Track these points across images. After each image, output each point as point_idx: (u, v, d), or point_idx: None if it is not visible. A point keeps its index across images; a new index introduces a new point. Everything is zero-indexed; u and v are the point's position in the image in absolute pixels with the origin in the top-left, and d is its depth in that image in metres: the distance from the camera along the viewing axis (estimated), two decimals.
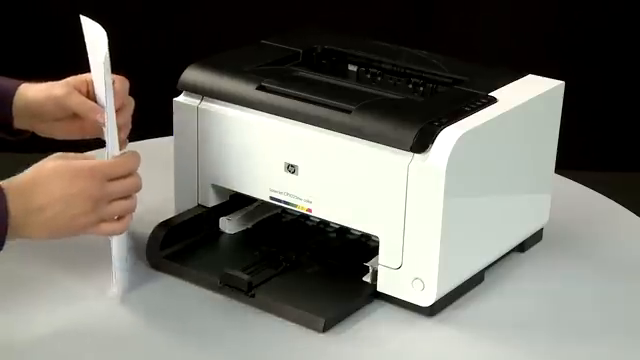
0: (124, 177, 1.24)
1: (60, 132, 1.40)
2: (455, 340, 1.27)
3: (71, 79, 1.39)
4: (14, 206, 1.17)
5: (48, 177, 1.19)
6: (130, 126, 1.36)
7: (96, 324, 1.27)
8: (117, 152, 1.26)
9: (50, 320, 1.27)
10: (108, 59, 1.26)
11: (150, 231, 1.38)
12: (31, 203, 1.18)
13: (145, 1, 3.05)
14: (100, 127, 1.32)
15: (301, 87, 1.34)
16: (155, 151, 1.69)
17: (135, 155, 1.26)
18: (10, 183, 1.19)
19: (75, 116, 1.35)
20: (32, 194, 1.18)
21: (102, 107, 1.30)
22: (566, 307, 1.35)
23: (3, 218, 1.16)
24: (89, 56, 1.34)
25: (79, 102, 1.34)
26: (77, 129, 1.38)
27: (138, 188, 1.26)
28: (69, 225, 1.20)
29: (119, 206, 1.24)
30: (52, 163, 1.21)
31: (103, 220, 1.23)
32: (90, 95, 1.35)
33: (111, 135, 1.26)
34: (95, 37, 1.30)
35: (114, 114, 1.27)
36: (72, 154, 1.24)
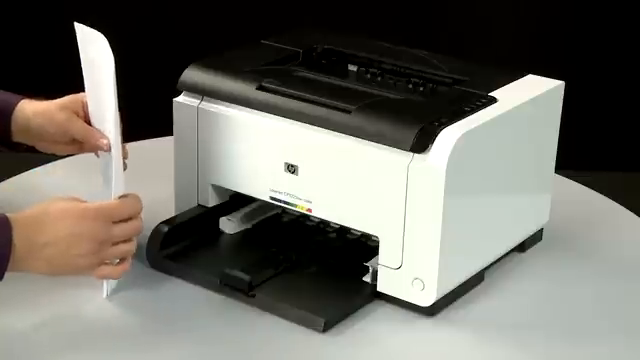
0: (127, 220, 1.25)
1: (59, 150, 1.43)
2: (455, 340, 1.27)
3: (68, 101, 1.40)
4: (19, 238, 1.18)
5: (55, 215, 1.21)
6: (127, 154, 1.37)
7: (95, 324, 1.27)
8: (122, 191, 1.27)
9: (51, 320, 1.27)
10: (114, 84, 1.26)
11: (150, 231, 1.38)
12: (36, 238, 1.19)
13: (145, 1, 3.05)
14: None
15: (301, 87, 1.34)
16: (155, 151, 1.70)
17: (138, 198, 1.27)
18: (17, 216, 1.20)
19: (75, 139, 1.38)
20: (38, 230, 1.20)
21: (98, 128, 1.31)
22: (566, 307, 1.35)
23: (6, 249, 1.17)
24: (84, 70, 1.33)
25: (80, 129, 1.36)
26: (76, 149, 1.42)
27: (140, 231, 1.28)
28: (70, 264, 1.22)
29: (120, 249, 1.25)
30: (60, 203, 1.23)
31: (104, 262, 1.24)
32: (86, 117, 1.37)
33: (116, 173, 1.27)
34: (96, 51, 1.29)
35: (120, 153, 1.29)
36: (78, 198, 1.26)
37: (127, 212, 1.25)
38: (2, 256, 1.17)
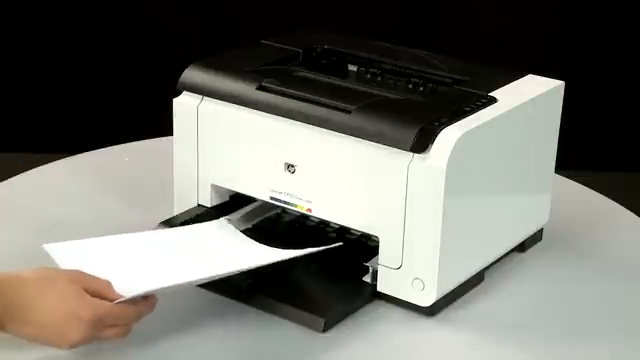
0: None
1: None
2: (455, 340, 1.27)
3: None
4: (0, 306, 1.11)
5: (49, 298, 1.13)
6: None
7: None
8: (138, 290, 1.18)
9: None
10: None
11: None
12: (20, 313, 1.13)
13: (145, 1, 3.05)
14: None
15: (301, 87, 1.34)
16: (155, 151, 1.70)
17: (147, 308, 1.20)
18: (9, 281, 1.12)
19: None
20: (26, 307, 1.13)
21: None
22: (566, 307, 1.35)
23: None
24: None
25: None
26: None
27: (125, 335, 1.19)
28: (47, 342, 1.15)
29: (107, 335, 1.18)
30: (64, 285, 1.15)
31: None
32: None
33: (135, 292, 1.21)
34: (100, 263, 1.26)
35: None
36: (89, 277, 1.18)
37: (126, 321, 1.18)
38: None
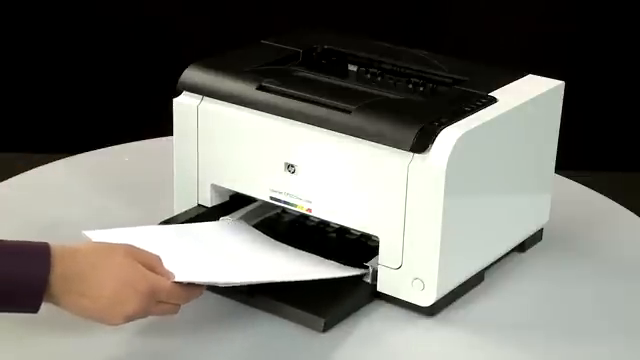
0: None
1: None
2: (455, 340, 1.27)
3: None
4: (56, 278, 1.11)
5: (104, 274, 1.14)
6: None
7: (94, 323, 1.27)
8: (184, 278, 1.20)
9: (48, 319, 1.27)
10: None
11: None
12: (75, 287, 1.12)
13: (145, 1, 3.05)
14: None
15: (301, 87, 1.34)
16: (155, 151, 1.70)
17: (196, 292, 1.22)
18: (63, 254, 1.12)
19: None
20: (79, 280, 1.13)
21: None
22: (566, 307, 1.35)
23: (41, 287, 1.11)
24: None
25: None
26: None
27: (174, 313, 1.21)
28: (102, 315, 1.15)
29: (159, 311, 1.20)
30: (121, 258, 1.16)
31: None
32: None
33: (195, 273, 1.24)
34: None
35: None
36: (141, 251, 1.20)
37: (177, 300, 1.20)
38: (37, 290, 1.10)
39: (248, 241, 1.37)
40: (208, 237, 1.36)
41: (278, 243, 1.38)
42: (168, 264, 1.21)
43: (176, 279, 1.19)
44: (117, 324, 1.16)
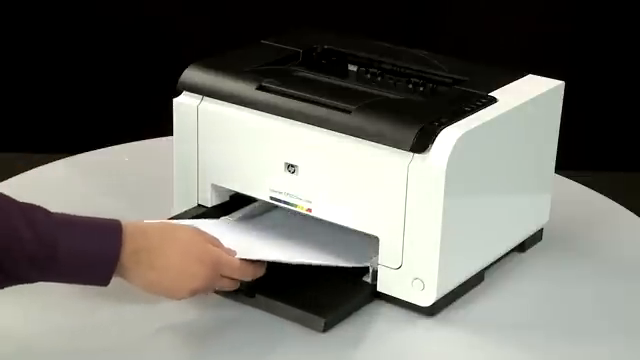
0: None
1: None
2: (455, 340, 1.27)
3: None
4: (126, 252, 1.16)
5: (175, 245, 1.21)
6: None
7: (95, 323, 1.27)
8: (249, 255, 1.27)
9: (49, 317, 1.27)
10: None
11: None
12: (146, 260, 1.18)
13: (145, 1, 3.05)
14: None
15: (301, 87, 1.34)
16: (155, 151, 1.70)
17: (258, 271, 1.28)
18: (133, 230, 1.18)
19: None
20: (151, 253, 1.18)
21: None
22: (566, 307, 1.35)
23: (113, 262, 1.16)
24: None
25: None
26: None
27: (235, 288, 1.28)
28: (168, 289, 1.21)
29: (221, 285, 1.26)
30: (187, 234, 1.23)
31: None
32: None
33: (261, 251, 1.31)
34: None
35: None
36: (203, 230, 1.26)
37: (239, 275, 1.26)
38: (109, 265, 1.15)
39: (262, 236, 1.39)
40: (232, 229, 1.39)
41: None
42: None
43: (238, 257, 1.25)
44: (182, 298, 1.22)
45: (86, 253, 1.14)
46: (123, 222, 1.17)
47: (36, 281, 1.14)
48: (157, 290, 1.21)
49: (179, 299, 1.23)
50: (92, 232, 1.15)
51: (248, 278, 1.27)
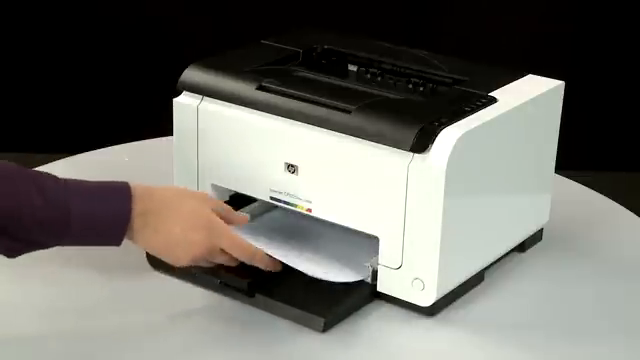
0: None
1: None
2: (455, 340, 1.27)
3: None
4: (135, 213, 1.19)
5: (178, 212, 1.23)
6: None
7: (94, 323, 1.27)
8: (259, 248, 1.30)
9: (48, 318, 1.27)
10: None
11: None
12: (152, 222, 1.21)
13: (147, 1, 3.05)
14: None
15: (301, 87, 1.34)
16: (155, 151, 1.70)
17: (268, 264, 1.30)
18: (141, 193, 1.20)
19: None
20: (157, 216, 1.21)
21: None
22: (566, 307, 1.35)
23: (124, 223, 1.19)
24: None
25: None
26: None
27: (234, 264, 1.29)
28: (170, 252, 1.23)
29: (223, 259, 1.28)
30: (193, 204, 1.25)
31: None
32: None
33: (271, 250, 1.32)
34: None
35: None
36: (213, 199, 1.31)
37: (239, 255, 1.27)
38: (120, 226, 1.18)
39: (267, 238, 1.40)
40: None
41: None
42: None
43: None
44: (183, 264, 1.24)
45: (98, 216, 1.17)
46: (132, 184, 1.20)
47: (52, 246, 1.17)
48: (160, 253, 1.23)
49: (180, 265, 1.24)
50: (102, 195, 1.18)
51: (244, 258, 1.27)
